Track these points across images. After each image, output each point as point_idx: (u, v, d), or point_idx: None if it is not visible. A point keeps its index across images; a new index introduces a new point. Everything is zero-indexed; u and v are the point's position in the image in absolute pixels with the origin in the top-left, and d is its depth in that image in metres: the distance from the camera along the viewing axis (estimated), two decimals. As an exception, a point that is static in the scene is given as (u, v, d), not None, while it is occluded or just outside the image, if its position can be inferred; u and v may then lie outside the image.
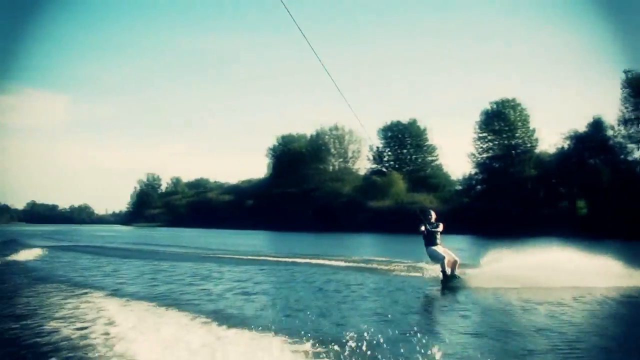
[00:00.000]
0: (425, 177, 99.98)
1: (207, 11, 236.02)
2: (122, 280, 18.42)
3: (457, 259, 18.02)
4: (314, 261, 25.99)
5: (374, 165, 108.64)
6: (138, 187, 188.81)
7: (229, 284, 17.44)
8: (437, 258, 17.98)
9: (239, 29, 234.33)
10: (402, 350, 8.33)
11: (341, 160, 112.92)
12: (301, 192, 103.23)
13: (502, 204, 73.99)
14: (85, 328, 10.09)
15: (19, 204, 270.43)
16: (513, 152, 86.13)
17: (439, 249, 18.00)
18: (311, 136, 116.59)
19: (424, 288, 17.20)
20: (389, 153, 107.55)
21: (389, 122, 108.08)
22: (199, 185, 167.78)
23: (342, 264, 24.85)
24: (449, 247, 18.85)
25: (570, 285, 16.38)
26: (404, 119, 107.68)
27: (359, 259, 27.42)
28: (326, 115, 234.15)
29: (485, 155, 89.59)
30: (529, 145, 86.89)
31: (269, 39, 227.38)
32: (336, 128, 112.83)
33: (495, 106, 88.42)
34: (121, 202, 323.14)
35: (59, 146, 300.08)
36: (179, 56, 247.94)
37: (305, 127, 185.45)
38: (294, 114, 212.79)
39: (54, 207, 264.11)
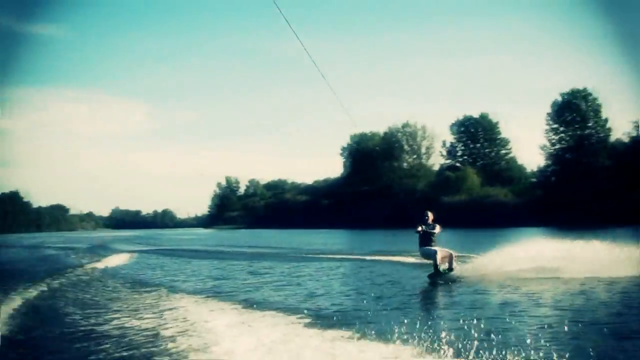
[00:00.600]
0: (499, 170, 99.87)
1: (267, 14, 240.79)
2: (214, 282, 19.12)
3: (451, 252, 18.57)
4: (395, 259, 25.87)
5: (447, 161, 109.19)
6: (218, 191, 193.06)
7: (321, 282, 18.06)
8: (429, 254, 18.40)
9: (308, 31, 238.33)
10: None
11: (414, 157, 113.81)
12: (375, 190, 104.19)
13: (577, 195, 73.77)
14: (184, 331, 10.41)
15: (104, 211, 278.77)
16: (585, 142, 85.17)
17: (435, 248, 18.41)
18: (384, 134, 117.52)
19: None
20: (462, 148, 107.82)
21: (460, 117, 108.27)
22: (276, 187, 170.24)
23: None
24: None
25: (582, 276, 16.48)
26: (475, 113, 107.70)
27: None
28: (398, 113, 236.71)
29: (557, 146, 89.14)
30: (602, 135, 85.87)
31: (339, 41, 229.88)
32: (408, 125, 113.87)
33: (565, 97, 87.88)
34: (202, 206, 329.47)
35: (140, 153, 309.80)
36: (252, 60, 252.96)
37: (377, 125, 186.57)
38: (366, 112, 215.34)
39: (137, 212, 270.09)
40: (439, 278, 17.79)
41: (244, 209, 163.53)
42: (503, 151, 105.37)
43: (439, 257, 18.00)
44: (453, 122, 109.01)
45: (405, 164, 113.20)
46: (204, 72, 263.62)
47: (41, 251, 46.99)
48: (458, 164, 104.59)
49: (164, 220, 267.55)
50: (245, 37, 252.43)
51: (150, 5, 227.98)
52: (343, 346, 8.71)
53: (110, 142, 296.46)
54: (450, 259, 18.48)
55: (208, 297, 15.15)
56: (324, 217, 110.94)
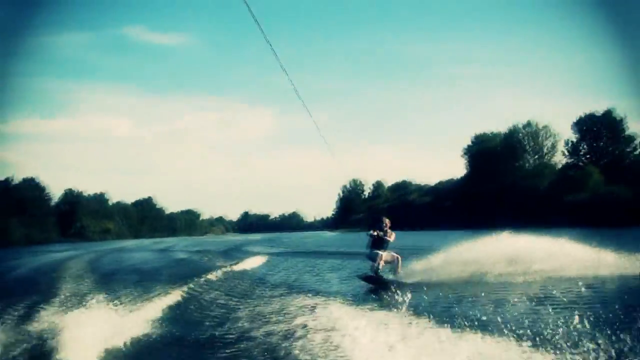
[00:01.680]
0: (623, 168, 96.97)
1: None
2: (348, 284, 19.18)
3: (398, 256, 19.08)
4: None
5: (570, 160, 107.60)
6: (342, 194, 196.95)
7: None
8: (373, 257, 18.72)
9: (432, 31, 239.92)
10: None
11: (536, 156, 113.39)
12: (498, 190, 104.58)
13: None
14: (328, 332, 10.41)
15: (234, 216, 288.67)
16: None
17: (381, 254, 18.67)
18: (505, 134, 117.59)
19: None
20: (584, 146, 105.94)
21: (583, 114, 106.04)
22: (400, 188, 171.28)
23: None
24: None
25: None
26: (600, 109, 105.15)
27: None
28: (519, 112, 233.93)
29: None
30: None
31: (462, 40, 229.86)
32: (529, 124, 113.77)
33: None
34: (327, 209, 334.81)
35: (268, 157, 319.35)
36: (373, 60, 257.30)
37: (498, 125, 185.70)
38: (487, 112, 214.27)
39: (266, 216, 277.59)
40: (372, 282, 18.38)
41: (369, 210, 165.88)
42: (628, 149, 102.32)
43: (382, 261, 18.53)
44: (575, 120, 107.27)
45: (527, 164, 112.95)
46: (328, 75, 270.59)
47: (177, 254, 49.56)
48: (580, 163, 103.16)
49: (291, 223, 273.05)
50: (368, 36, 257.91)
51: (274, 13, 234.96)
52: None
53: (239, 148, 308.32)
54: (396, 263, 19.13)
55: (351, 300, 15.14)
56: (447, 217, 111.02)
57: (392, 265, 19.35)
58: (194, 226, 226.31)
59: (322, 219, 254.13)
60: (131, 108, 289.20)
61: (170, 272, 28.15)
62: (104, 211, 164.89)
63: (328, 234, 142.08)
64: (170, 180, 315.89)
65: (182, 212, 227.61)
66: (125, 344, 10.56)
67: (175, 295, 17.29)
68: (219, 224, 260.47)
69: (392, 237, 19.05)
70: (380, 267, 18.62)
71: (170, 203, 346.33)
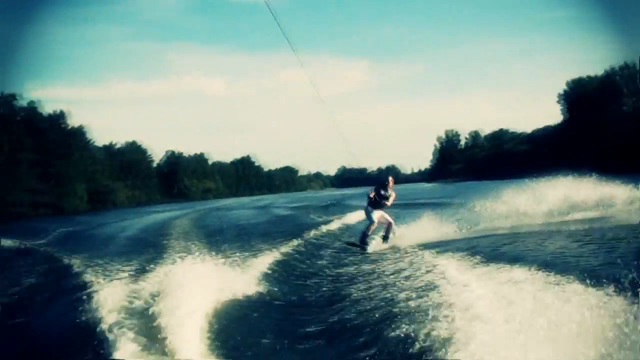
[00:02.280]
0: None
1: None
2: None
3: (392, 221, 18.71)
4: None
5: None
6: (438, 145, 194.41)
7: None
8: (368, 218, 18.60)
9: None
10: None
11: (634, 99, 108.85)
12: (595, 135, 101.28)
13: None
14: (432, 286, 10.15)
15: (331, 170, 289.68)
16: None
17: (377, 213, 18.43)
18: (602, 77, 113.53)
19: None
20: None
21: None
22: (496, 138, 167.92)
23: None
24: None
25: None
26: None
27: None
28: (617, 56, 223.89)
29: None
30: None
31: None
32: (626, 66, 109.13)
33: None
34: (424, 161, 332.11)
35: (363, 110, 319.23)
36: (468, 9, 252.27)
37: (595, 69, 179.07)
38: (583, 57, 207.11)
39: (363, 170, 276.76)
40: (357, 245, 18.39)
41: (465, 161, 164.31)
42: None
43: (375, 222, 18.33)
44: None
45: (624, 107, 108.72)
46: (424, 26, 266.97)
47: (278, 211, 50.46)
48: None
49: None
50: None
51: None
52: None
53: (334, 102, 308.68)
54: (388, 227, 18.74)
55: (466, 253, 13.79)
56: (544, 165, 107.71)
57: (384, 227, 19.02)
58: (292, 183, 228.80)
59: (420, 170, 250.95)
60: (224, 67, 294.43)
61: (272, 229, 28.37)
62: (204, 171, 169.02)
63: (425, 185, 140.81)
64: (267, 138, 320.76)
65: (280, 169, 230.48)
66: (232, 299, 10.91)
67: (278, 253, 17.29)
68: (317, 180, 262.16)
69: (390, 199, 18.73)
70: (371, 230, 18.42)
71: (268, 161, 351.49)
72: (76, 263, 17.00)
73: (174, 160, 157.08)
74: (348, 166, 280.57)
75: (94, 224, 47.91)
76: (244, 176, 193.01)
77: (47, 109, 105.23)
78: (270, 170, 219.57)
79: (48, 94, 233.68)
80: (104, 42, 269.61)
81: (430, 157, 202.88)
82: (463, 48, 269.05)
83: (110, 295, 10.27)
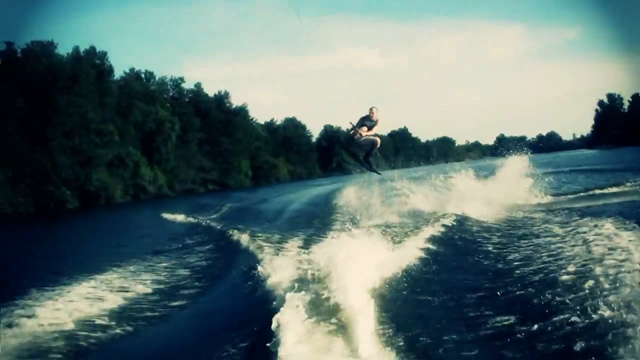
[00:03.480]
0: None
1: None
2: None
3: (377, 139, 18.53)
4: None
5: None
6: (599, 109, 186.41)
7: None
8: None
9: None
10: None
11: None
12: None
13: None
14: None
15: (490, 139, 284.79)
16: None
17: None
18: None
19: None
20: None
21: None
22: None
23: None
24: None
25: None
26: None
27: None
28: None
29: None
30: None
31: None
32: None
33: None
34: (586, 126, 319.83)
35: (520, 76, 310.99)
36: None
37: None
38: None
39: (522, 138, 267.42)
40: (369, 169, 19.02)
41: (626, 125, 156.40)
42: None
43: (360, 133, 18.02)
44: None
45: None
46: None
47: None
48: None
49: (549, 143, 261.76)
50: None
51: None
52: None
53: (488, 69, 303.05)
54: (370, 143, 18.56)
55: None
56: None
57: (367, 145, 18.64)
58: (449, 153, 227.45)
59: (582, 136, 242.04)
60: (377, 38, 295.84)
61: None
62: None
63: (586, 152, 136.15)
64: (422, 108, 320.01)
65: (436, 140, 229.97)
66: (392, 274, 10.24)
67: (438, 226, 16.04)
68: (475, 149, 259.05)
69: (375, 127, 18.43)
70: (357, 135, 18.05)
71: (424, 131, 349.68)
72: (244, 238, 16.82)
73: (331, 135, 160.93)
74: (507, 134, 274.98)
75: (259, 198, 50.84)
76: (400, 148, 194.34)
77: (206, 87, 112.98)
78: (427, 142, 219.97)
79: (208, 72, 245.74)
80: (259, 18, 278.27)
81: (592, 122, 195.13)
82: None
83: (279, 271, 10.26)
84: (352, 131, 17.96)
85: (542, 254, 11.70)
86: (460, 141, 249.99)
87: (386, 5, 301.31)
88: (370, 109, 18.33)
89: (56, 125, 61.41)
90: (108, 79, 79.91)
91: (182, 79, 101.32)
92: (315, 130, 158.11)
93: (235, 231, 18.77)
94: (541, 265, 10.72)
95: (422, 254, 12.26)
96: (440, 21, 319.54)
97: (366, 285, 8.74)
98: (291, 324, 7.29)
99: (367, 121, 18.15)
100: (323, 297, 8.17)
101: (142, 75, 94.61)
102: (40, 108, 60.62)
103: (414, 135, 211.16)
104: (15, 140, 55.64)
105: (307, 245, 14.87)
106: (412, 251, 12.34)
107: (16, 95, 58.70)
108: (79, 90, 65.70)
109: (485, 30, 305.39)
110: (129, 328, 9.58)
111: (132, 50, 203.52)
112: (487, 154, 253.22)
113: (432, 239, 13.92)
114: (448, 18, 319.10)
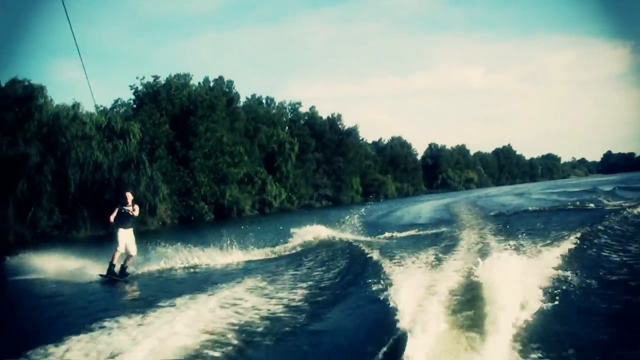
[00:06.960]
0: None
1: None
2: None
3: (133, 254, 18.09)
4: None
5: None
6: None
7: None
8: (116, 243, 17.71)
9: None
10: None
11: None
12: None
13: None
14: None
15: (596, 156, 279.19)
16: None
17: (123, 236, 17.78)
18: None
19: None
20: None
21: None
22: None
23: None
24: None
25: None
26: None
27: None
28: None
29: None
30: None
31: None
32: None
33: None
34: None
35: (627, 91, 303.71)
36: None
37: None
38: None
39: (631, 155, 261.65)
40: (112, 275, 17.52)
41: None
42: None
43: (120, 247, 17.69)
44: None
45: None
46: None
47: (550, 197, 52.96)
48: None
49: (125, 192, 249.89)
50: None
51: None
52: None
53: (593, 86, 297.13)
54: (127, 260, 18.15)
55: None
56: None
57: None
58: (554, 170, 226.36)
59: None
60: (482, 55, 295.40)
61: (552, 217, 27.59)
62: (465, 161, 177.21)
63: None
64: (527, 126, 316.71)
65: (541, 157, 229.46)
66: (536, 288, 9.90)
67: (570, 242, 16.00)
68: (580, 167, 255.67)
69: (135, 211, 18.39)
70: (116, 259, 17.81)
71: (528, 149, 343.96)
72: (373, 253, 16.89)
73: (435, 153, 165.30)
74: (614, 151, 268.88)
75: (385, 210, 55.11)
76: (504, 165, 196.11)
77: (306, 106, 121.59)
78: (532, 159, 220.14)
79: (311, 93, 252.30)
80: (363, 40, 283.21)
81: None
82: None
83: (408, 287, 10.27)
84: None
85: None
86: (565, 157, 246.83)
87: (490, 22, 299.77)
88: (125, 194, 19.02)
89: (197, 148, 69.26)
90: (236, 105, 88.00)
91: (299, 103, 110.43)
92: (420, 149, 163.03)
93: (367, 246, 18.82)
94: None
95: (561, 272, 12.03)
96: (548, 36, 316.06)
97: (518, 304, 8.77)
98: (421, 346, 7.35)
99: (123, 208, 18.43)
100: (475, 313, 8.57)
101: (263, 101, 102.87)
102: (184, 133, 68.80)
103: (518, 152, 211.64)
104: (165, 161, 63.35)
105: (436, 263, 14.72)
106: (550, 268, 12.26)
107: (164, 122, 66.82)
108: (215, 117, 73.85)
109: (597, 45, 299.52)
110: (265, 340, 9.70)
111: (243, 74, 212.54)
112: (593, 170, 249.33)
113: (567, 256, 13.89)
114: (560, 35, 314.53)
